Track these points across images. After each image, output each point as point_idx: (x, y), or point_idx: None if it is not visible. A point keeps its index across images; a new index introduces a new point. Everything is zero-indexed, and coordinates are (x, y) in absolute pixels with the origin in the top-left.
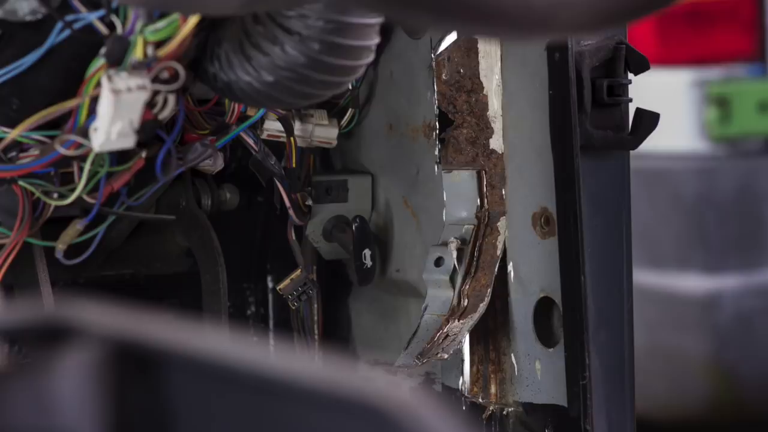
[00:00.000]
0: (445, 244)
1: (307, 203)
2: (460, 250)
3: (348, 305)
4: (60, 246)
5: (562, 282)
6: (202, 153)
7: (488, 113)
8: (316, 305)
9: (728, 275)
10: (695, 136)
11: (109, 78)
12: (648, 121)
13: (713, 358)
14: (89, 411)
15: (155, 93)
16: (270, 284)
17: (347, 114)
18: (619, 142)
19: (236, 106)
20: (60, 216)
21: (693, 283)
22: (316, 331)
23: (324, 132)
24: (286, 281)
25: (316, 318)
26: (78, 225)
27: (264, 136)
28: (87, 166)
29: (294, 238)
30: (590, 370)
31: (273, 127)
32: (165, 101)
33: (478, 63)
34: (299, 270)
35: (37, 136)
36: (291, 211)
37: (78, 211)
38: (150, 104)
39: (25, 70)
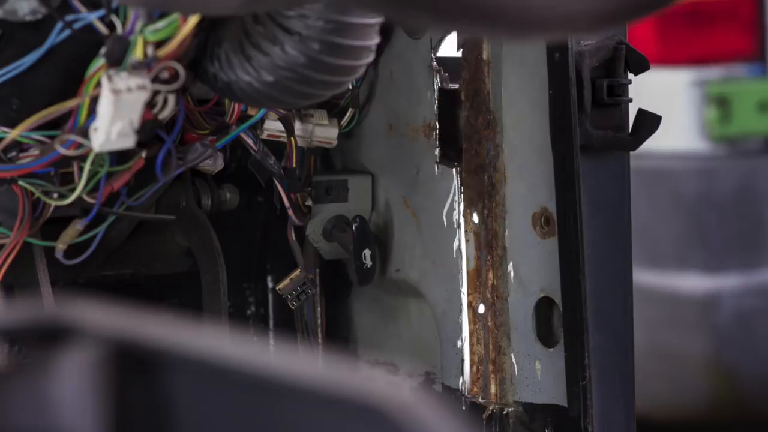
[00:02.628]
0: None
1: (307, 203)
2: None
3: (348, 305)
4: (60, 246)
5: (562, 282)
6: (202, 153)
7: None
8: (319, 308)
9: (728, 275)
10: (695, 136)
11: (109, 78)
12: (649, 122)
13: (713, 358)
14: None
15: (155, 93)
16: (270, 284)
17: (347, 114)
18: (619, 142)
19: (236, 106)
20: (60, 216)
21: (693, 282)
22: (319, 333)
23: (324, 132)
24: (286, 281)
25: (319, 322)
26: (78, 225)
27: (264, 136)
28: (87, 166)
29: (294, 238)
30: (590, 370)
31: (273, 127)
32: (165, 101)
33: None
34: (299, 270)
35: (37, 136)
36: (290, 212)
37: (78, 211)
38: (150, 104)
39: (25, 70)
